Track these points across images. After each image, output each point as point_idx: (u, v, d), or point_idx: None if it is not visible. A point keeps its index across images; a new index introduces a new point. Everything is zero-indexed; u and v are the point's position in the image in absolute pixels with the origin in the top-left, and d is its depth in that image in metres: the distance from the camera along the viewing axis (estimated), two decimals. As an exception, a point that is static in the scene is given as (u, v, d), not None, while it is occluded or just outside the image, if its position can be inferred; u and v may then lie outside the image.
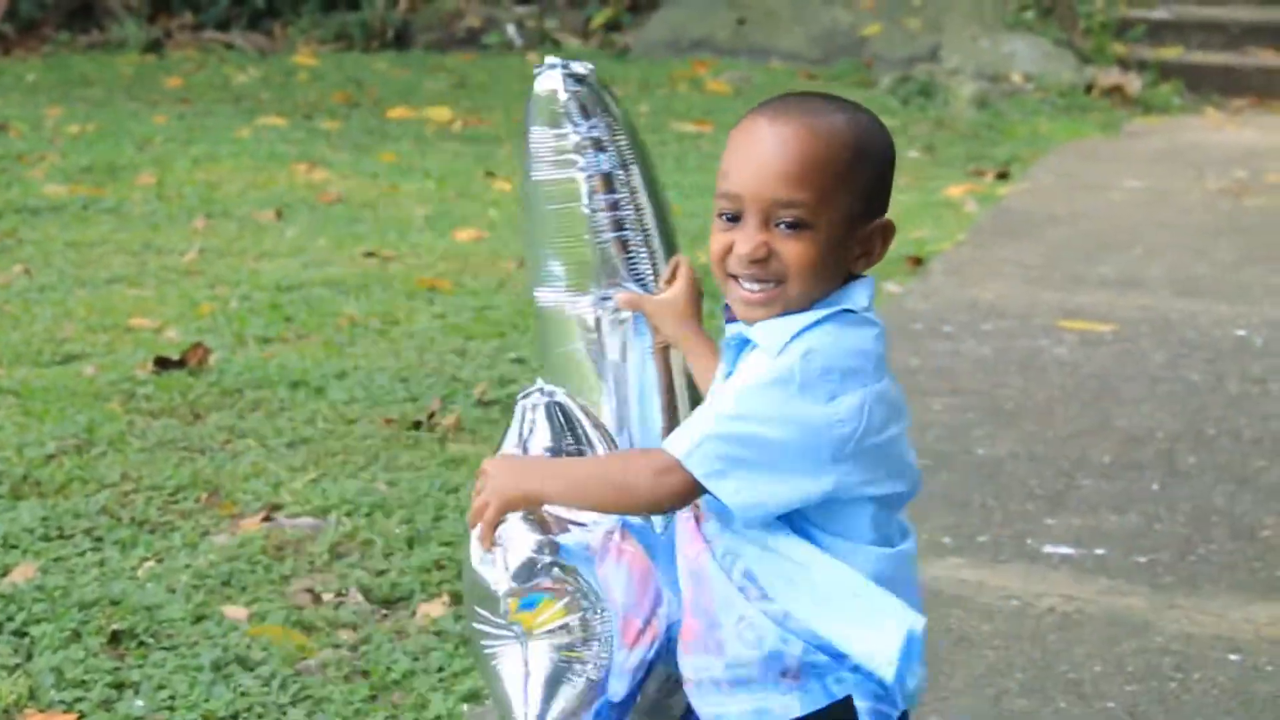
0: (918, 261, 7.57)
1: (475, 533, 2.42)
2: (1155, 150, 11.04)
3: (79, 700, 3.51)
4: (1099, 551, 4.50)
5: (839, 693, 2.26)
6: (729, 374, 2.30)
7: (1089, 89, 12.88)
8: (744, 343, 2.28)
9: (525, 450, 2.51)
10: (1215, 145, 11.30)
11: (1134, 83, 13.01)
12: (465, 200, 8.73)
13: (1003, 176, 9.83)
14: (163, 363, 5.69)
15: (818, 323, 2.24)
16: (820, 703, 2.26)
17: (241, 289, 6.79)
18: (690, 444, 2.23)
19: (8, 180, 8.78)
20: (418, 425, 5.21)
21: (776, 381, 2.21)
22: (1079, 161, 10.56)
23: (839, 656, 2.25)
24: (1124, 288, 7.36)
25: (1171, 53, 13.68)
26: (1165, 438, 5.41)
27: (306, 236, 7.80)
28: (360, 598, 4.04)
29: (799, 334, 2.23)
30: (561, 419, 2.53)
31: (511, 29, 14.57)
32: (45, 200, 8.35)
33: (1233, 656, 3.91)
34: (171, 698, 3.53)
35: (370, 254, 7.45)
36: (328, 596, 4.05)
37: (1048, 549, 4.51)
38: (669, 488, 2.25)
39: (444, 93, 12.40)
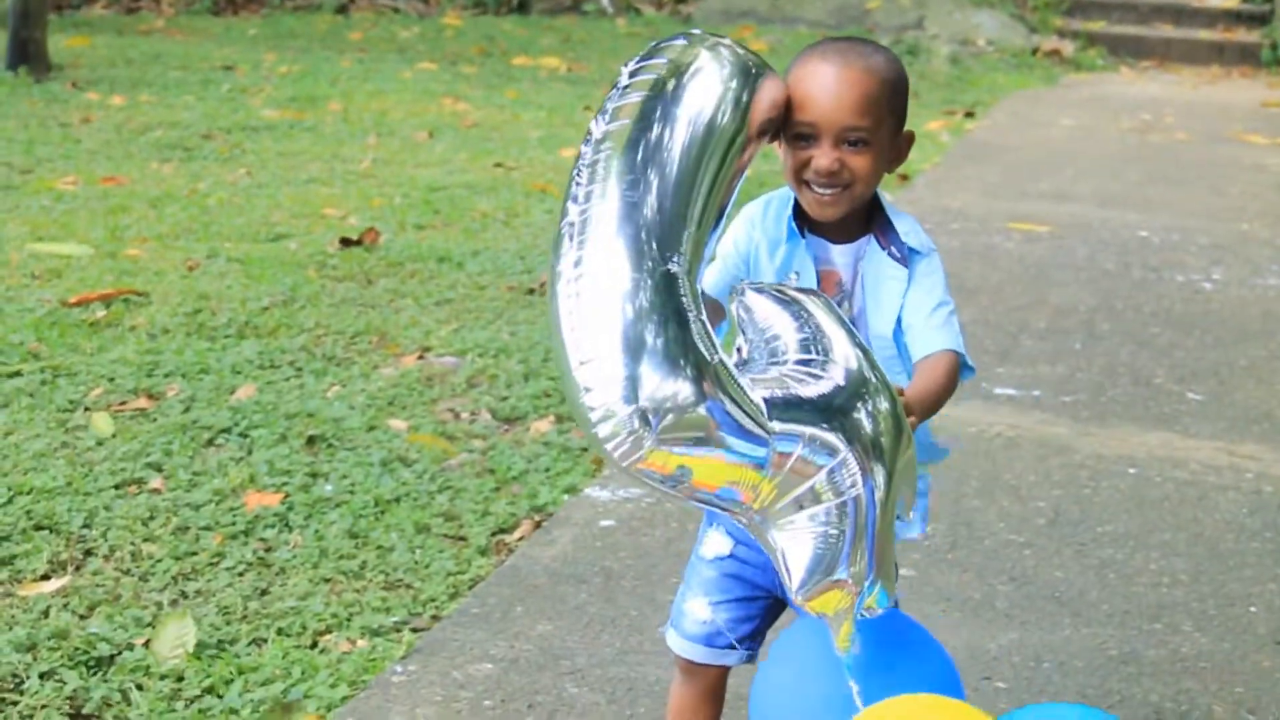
0: (904, 178, 7.46)
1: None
2: (1083, 98, 10.83)
3: (284, 484, 3.53)
4: (1035, 393, 4.45)
5: None
6: (910, 282, 2.17)
7: (1035, 52, 12.68)
8: (882, 250, 2.15)
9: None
10: (1128, 95, 11.09)
11: (1068, 48, 12.83)
12: (568, 127, 8.64)
13: (969, 115, 9.67)
14: (346, 241, 5.68)
15: (909, 218, 2.20)
16: None
17: (403, 189, 6.75)
18: (959, 338, 2.14)
19: (235, 107, 8.75)
20: (531, 291, 5.19)
21: (943, 270, 2.23)
22: (1026, 105, 10.37)
23: None
24: (1058, 199, 7.24)
25: (1096, 25, 13.49)
26: (1086, 311, 5.34)
27: (450, 151, 7.74)
28: (489, 416, 4.04)
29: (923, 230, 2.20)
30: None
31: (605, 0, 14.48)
32: (262, 121, 8.32)
33: (1131, 470, 3.87)
34: (352, 484, 3.54)
35: (498, 165, 7.39)
36: (465, 415, 4.05)
37: (997, 391, 4.46)
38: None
39: (554, 46, 12.26)
